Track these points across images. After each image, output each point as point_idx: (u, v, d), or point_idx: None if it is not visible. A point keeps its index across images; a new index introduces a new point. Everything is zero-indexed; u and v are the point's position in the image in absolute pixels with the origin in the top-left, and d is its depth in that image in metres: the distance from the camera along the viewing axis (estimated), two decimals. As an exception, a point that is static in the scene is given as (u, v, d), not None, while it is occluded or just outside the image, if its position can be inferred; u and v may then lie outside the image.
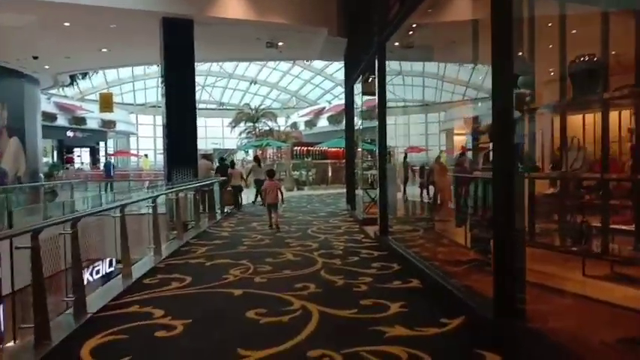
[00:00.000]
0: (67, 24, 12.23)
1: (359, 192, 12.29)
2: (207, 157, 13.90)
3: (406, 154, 15.34)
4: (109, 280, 6.65)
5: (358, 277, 5.58)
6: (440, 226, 8.58)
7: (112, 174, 23.93)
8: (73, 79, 25.88)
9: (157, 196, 7.65)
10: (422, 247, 7.54)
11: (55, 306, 4.47)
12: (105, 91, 32.64)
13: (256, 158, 14.52)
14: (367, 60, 9.13)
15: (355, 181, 12.46)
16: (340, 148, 26.29)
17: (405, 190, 12.91)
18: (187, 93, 11.71)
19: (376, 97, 7.97)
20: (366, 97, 11.47)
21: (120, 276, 5.79)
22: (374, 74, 7.99)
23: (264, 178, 10.96)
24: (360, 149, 13.09)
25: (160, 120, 46.28)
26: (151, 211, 7.06)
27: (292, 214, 12.27)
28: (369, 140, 12.90)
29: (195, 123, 11.53)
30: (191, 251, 7.44)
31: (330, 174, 23.77)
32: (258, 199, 14.31)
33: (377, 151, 8.59)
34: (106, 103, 21.86)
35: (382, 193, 8.18)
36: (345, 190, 20.55)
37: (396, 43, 7.74)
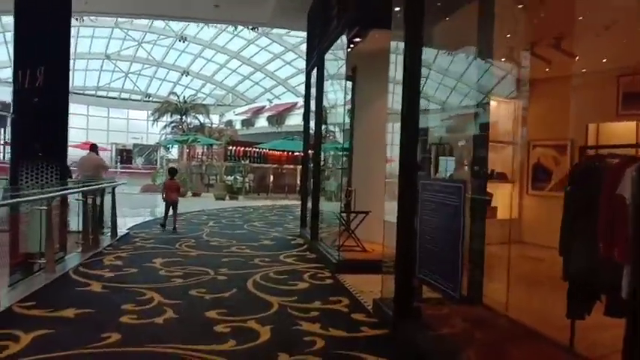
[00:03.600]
0: None
1: (323, 208, 8.55)
2: (94, 148, 9.48)
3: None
4: None
5: None
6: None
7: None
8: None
9: None
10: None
11: None
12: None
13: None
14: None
15: (316, 196, 8.58)
16: (284, 151, 22.51)
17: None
18: (58, 52, 7.06)
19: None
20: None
21: None
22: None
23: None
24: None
25: (75, 108, 40.10)
26: None
27: (221, 241, 8.28)
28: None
29: (67, 97, 7.00)
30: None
31: (271, 181, 19.82)
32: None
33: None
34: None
35: (404, 220, 4.38)
36: (292, 203, 16.68)
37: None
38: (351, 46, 6.65)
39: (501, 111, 5.06)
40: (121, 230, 9.07)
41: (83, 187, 7.08)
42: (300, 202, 17.51)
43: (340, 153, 10.93)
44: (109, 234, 8.26)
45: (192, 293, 4.91)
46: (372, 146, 7.50)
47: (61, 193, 6.07)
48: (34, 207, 5.42)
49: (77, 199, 6.81)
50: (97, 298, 4.73)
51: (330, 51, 7.31)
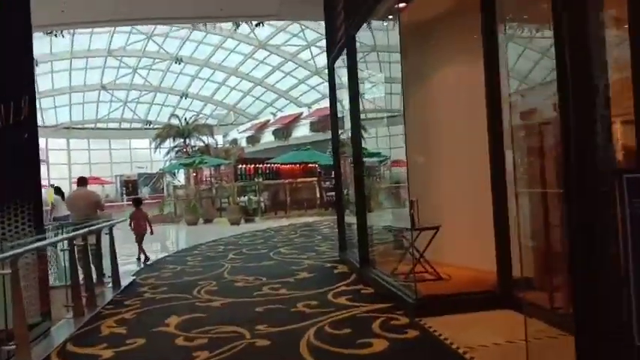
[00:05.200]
0: None
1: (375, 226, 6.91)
2: (82, 182, 7.93)
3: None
4: None
5: None
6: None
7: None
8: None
9: None
10: None
11: None
12: None
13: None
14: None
15: (362, 210, 6.84)
16: (298, 163, 20.97)
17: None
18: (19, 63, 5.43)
19: None
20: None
21: None
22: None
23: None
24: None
25: (76, 143, 39.14)
26: None
27: (247, 280, 6.68)
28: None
29: (35, 122, 5.42)
30: None
31: (287, 197, 18.21)
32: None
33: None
34: None
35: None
36: (314, 220, 15.18)
37: None
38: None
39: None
40: (127, 275, 7.55)
41: (57, 233, 5.50)
42: (323, 219, 16.18)
43: (378, 159, 9.32)
44: (110, 285, 6.69)
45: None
46: (435, 142, 5.92)
47: (33, 246, 4.51)
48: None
49: (62, 249, 5.27)
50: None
51: (364, 27, 5.75)
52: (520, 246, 4.01)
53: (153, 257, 9.93)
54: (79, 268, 5.59)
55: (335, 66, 7.41)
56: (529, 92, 4.89)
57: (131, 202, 10.39)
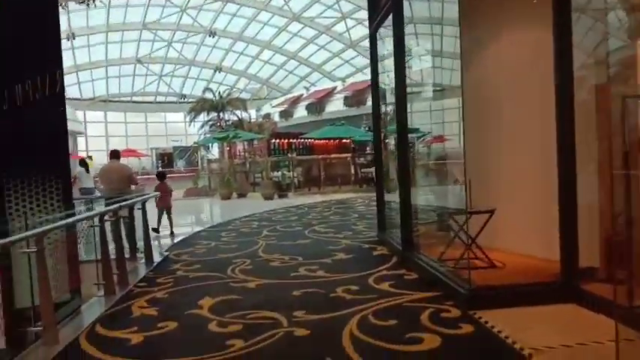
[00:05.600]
0: None
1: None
2: (115, 154, 7.73)
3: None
4: None
5: None
6: None
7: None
8: None
9: None
10: None
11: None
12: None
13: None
14: None
15: (406, 190, 6.37)
16: (332, 139, 20.54)
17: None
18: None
19: None
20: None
21: None
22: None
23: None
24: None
25: (113, 116, 39.72)
26: None
27: (283, 259, 6.39)
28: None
29: (64, 96, 5.13)
30: None
31: (322, 173, 17.85)
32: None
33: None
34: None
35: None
36: (348, 197, 14.93)
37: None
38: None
39: None
40: (160, 251, 7.41)
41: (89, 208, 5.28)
42: (358, 195, 15.76)
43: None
44: (143, 261, 6.53)
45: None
46: (489, 118, 5.39)
47: (61, 223, 4.29)
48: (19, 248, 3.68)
49: (91, 226, 5.07)
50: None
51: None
52: (601, 235, 3.52)
53: (188, 230, 9.84)
54: (110, 244, 5.41)
55: (378, 34, 6.88)
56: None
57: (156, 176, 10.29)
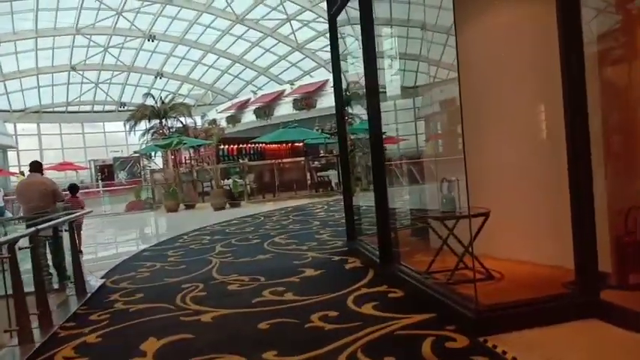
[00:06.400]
0: None
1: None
2: (35, 167, 6.58)
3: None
4: None
5: None
6: None
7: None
8: None
9: None
10: None
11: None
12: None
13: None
14: None
15: (382, 193, 5.59)
16: (282, 143, 19.69)
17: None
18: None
19: None
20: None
21: None
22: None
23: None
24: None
25: (47, 128, 37.16)
26: None
27: (242, 280, 5.48)
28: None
29: None
30: None
31: (276, 179, 16.94)
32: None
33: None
34: None
35: None
36: (305, 203, 14.22)
37: None
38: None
39: None
40: (96, 277, 6.33)
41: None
42: (316, 201, 14.93)
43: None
44: (74, 292, 5.45)
45: None
46: (480, 106, 4.73)
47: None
48: None
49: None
50: None
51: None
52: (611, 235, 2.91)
53: (130, 250, 8.75)
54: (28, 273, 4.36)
55: (338, 19, 6.15)
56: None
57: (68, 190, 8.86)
